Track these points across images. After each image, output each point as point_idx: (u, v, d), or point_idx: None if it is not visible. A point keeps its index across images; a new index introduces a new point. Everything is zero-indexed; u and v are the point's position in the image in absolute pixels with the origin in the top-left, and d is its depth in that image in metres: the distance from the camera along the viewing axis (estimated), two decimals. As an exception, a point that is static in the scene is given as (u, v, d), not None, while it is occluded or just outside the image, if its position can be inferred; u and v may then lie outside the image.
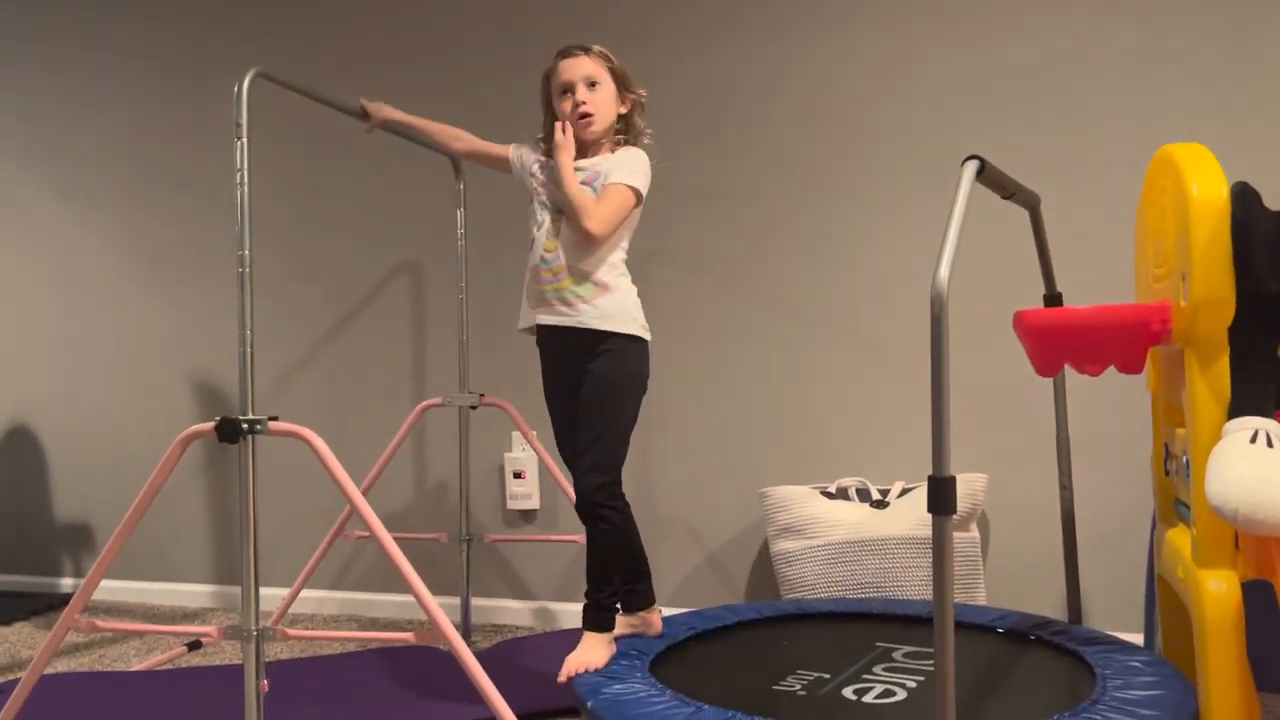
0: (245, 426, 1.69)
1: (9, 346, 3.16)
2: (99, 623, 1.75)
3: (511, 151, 1.97)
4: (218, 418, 1.69)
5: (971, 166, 1.35)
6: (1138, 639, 2.02)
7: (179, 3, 2.98)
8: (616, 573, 1.85)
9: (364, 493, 2.41)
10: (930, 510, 1.25)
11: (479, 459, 2.66)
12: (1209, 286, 1.42)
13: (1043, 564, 2.24)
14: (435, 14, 2.77)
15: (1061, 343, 1.57)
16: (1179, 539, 1.59)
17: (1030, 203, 1.77)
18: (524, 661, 2.25)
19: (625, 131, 1.88)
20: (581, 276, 1.80)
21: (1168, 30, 2.24)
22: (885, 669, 1.75)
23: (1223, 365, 1.45)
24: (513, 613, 2.70)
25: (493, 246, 2.67)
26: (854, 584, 2.17)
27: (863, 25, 2.44)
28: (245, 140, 1.74)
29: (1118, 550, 2.20)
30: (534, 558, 2.69)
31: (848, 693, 1.64)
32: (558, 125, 1.84)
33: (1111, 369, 1.60)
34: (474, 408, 2.52)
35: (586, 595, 1.83)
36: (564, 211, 1.81)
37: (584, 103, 1.82)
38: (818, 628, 1.99)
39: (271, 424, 1.71)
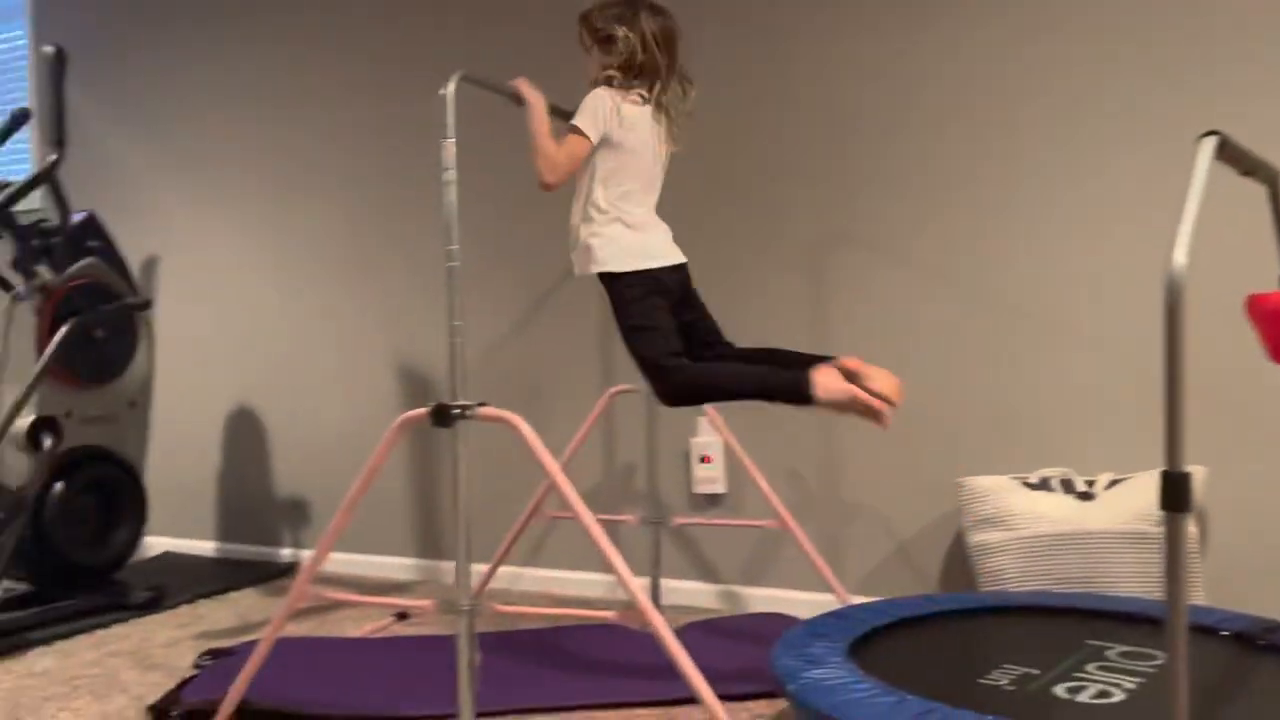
0: (457, 412, 1.78)
1: (232, 333, 3.42)
2: (327, 592, 1.88)
3: None
4: (432, 404, 1.78)
5: (1210, 143, 1.26)
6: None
7: (387, 5, 3.14)
8: (758, 379, 1.93)
9: (558, 475, 2.50)
10: (1164, 508, 1.19)
11: (665, 443, 2.70)
12: None
13: (1267, 564, 2.10)
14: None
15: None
16: None
17: (1270, 178, 1.65)
18: (714, 643, 2.28)
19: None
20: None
21: None
22: (1098, 667, 1.68)
23: None
24: (699, 594, 2.73)
25: (681, 232, 2.70)
26: (1058, 578, 2.10)
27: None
28: (452, 140, 1.81)
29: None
30: (721, 541, 2.72)
31: (1059, 690, 1.59)
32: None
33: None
34: (662, 393, 2.56)
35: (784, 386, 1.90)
36: None
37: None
38: (1022, 622, 1.93)
39: (480, 410, 1.79)
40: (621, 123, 2.02)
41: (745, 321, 2.64)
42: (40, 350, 2.75)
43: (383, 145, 3.15)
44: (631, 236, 2.04)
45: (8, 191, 2.67)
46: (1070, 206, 2.35)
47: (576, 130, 2.00)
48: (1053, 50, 2.34)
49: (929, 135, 2.47)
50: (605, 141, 2.02)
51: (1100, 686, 1.60)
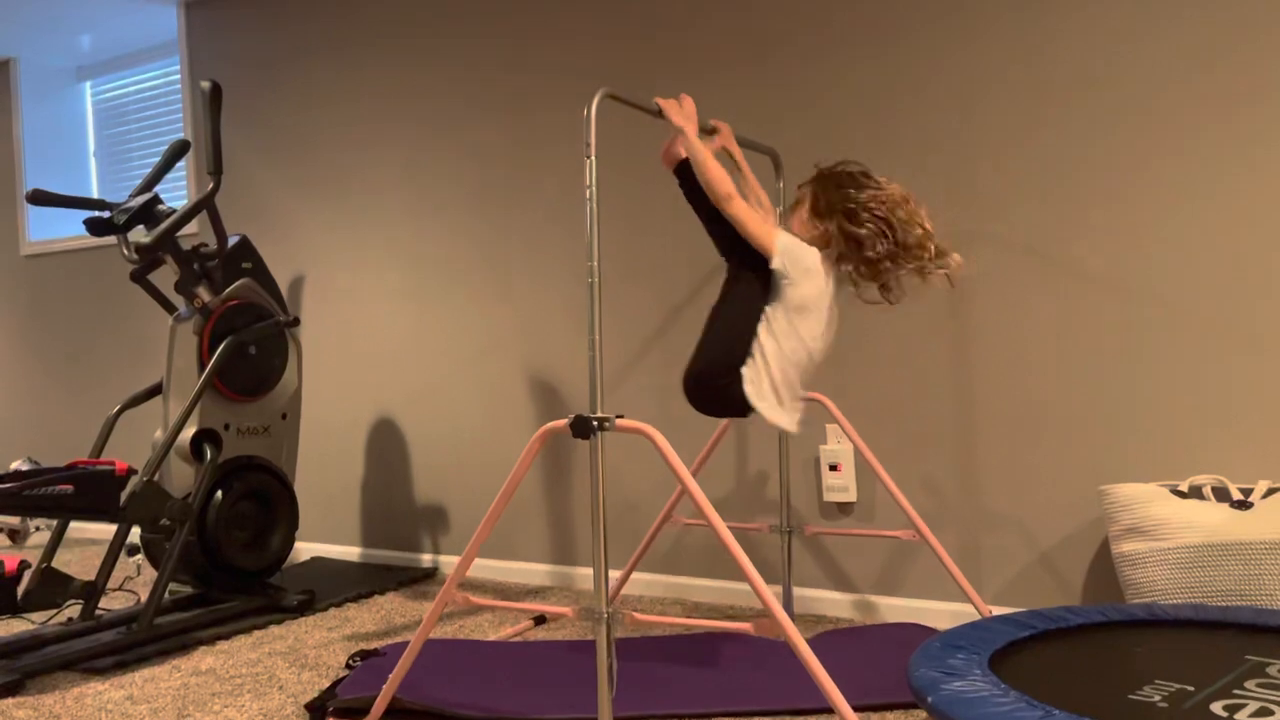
0: (596, 424, 1.82)
1: (375, 346, 3.57)
2: (472, 597, 1.95)
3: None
4: (572, 416, 1.84)
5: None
6: None
7: (519, 29, 3.25)
8: None
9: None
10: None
11: (794, 452, 2.70)
12: None
13: None
14: (768, 24, 2.83)
15: None
16: None
17: None
18: (848, 653, 2.27)
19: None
20: None
21: None
22: (1259, 685, 1.61)
23: None
24: (832, 603, 2.72)
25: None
26: (1212, 591, 2.01)
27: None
28: (594, 159, 1.85)
29: None
30: (852, 550, 2.70)
31: (1217, 708, 1.53)
32: None
33: None
34: (790, 401, 2.57)
35: None
36: None
37: None
38: (1174, 636, 1.86)
39: (618, 421, 1.83)
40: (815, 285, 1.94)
41: (881, 322, 2.63)
42: (201, 367, 2.94)
43: (510, 166, 3.25)
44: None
45: (171, 219, 2.86)
46: (1222, 205, 2.25)
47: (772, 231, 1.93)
48: (1214, 36, 2.26)
49: (1070, 132, 2.41)
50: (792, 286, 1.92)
51: (1261, 704, 1.53)
